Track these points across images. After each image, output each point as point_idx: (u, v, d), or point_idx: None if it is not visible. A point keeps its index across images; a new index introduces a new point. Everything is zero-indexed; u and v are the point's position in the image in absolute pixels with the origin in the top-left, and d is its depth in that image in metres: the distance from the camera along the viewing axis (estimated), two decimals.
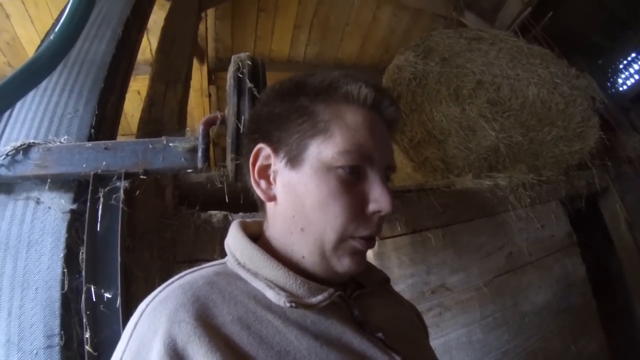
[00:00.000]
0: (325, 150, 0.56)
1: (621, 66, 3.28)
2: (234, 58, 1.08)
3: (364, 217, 0.57)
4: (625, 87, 3.24)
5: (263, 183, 0.62)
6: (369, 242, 0.58)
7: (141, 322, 0.49)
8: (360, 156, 0.56)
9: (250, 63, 1.05)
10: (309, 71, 0.65)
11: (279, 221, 0.61)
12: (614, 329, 2.09)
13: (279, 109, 0.61)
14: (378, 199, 0.56)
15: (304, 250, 0.58)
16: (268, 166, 0.61)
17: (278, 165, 0.60)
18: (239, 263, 0.59)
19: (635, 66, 3.20)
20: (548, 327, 1.78)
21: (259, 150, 0.61)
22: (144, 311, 0.51)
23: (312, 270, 0.58)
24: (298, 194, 0.57)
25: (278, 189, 0.60)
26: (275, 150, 0.60)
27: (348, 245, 0.57)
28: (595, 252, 2.51)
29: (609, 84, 3.28)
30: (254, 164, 0.62)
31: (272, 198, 0.61)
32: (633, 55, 3.21)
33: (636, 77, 3.20)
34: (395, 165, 0.63)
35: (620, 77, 3.29)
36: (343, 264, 0.57)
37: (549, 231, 2.01)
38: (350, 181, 0.56)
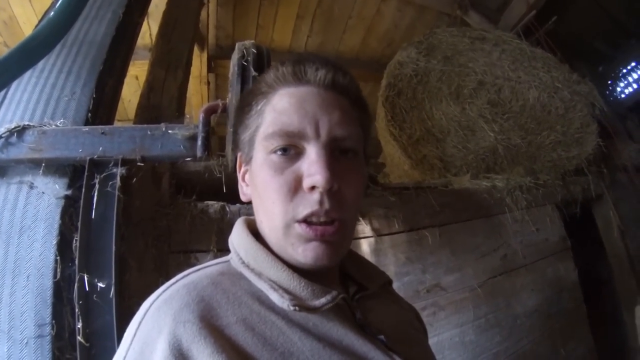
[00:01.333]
0: (259, 139, 0.58)
1: (621, 74, 3.30)
2: (238, 45, 1.05)
3: (302, 195, 0.53)
4: (623, 95, 3.27)
5: (244, 185, 0.66)
6: (320, 227, 0.53)
7: (145, 321, 0.49)
8: (286, 135, 0.54)
9: (255, 51, 1.03)
10: None
11: (256, 216, 0.62)
12: (601, 334, 2.11)
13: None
14: (311, 172, 0.52)
15: (271, 242, 0.58)
16: (247, 170, 0.64)
17: (245, 166, 0.64)
18: (243, 262, 0.58)
19: (635, 75, 3.23)
20: (539, 330, 1.79)
21: (240, 157, 0.66)
22: (147, 310, 0.50)
23: (289, 261, 0.56)
24: (254, 187, 0.59)
25: (249, 188, 0.63)
26: (241, 153, 0.65)
27: (294, 232, 0.53)
28: (587, 257, 2.53)
29: (608, 92, 3.30)
30: (239, 170, 0.66)
31: (248, 198, 0.64)
32: (633, 64, 3.23)
33: (635, 85, 3.22)
34: (346, 135, 0.56)
35: (619, 85, 3.31)
36: (299, 253, 0.54)
37: (544, 235, 2.02)
38: (282, 163, 0.54)
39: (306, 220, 0.53)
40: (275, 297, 0.52)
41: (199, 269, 0.58)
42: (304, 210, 0.52)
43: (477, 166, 2.32)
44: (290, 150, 0.54)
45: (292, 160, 0.54)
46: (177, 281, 0.54)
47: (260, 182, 0.56)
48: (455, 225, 1.76)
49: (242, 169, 0.65)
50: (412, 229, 1.63)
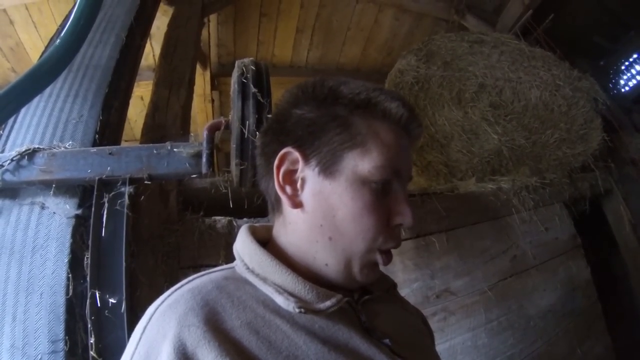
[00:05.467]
0: (361, 163, 0.57)
1: (623, 67, 3.28)
2: (237, 63, 1.08)
3: (389, 229, 0.59)
4: (627, 88, 3.24)
5: (289, 188, 0.60)
6: (389, 255, 0.61)
7: (150, 325, 0.50)
8: (392, 171, 0.59)
9: (254, 68, 1.05)
10: (335, 76, 0.66)
11: (302, 228, 0.60)
12: (619, 331, 2.08)
13: (312, 114, 0.60)
14: (403, 213, 0.59)
15: (329, 258, 0.59)
16: (294, 171, 0.60)
17: (308, 172, 0.59)
18: (248, 268, 0.59)
19: (637, 67, 3.20)
20: (553, 330, 1.77)
21: (286, 154, 0.60)
22: (152, 314, 0.51)
23: (333, 277, 0.59)
24: (330, 204, 0.57)
25: (306, 197, 0.59)
26: (306, 157, 0.59)
27: (372, 258, 0.59)
28: (600, 254, 2.50)
29: (611, 86, 3.28)
30: (279, 167, 0.60)
31: (298, 205, 0.60)
32: (635, 56, 3.20)
33: (638, 78, 3.19)
34: (412, 177, 0.66)
35: (622, 79, 3.29)
36: (364, 274, 0.60)
37: (553, 234, 2.01)
38: (381, 195, 0.58)
39: (385, 251, 0.60)
40: (281, 300, 0.53)
41: (203, 275, 0.59)
42: (390, 243, 0.60)
43: (483, 169, 2.32)
44: (389, 184, 0.59)
45: (385, 194, 0.59)
46: (181, 286, 0.55)
47: (352, 204, 0.57)
48: (462, 230, 1.75)
49: (287, 168, 0.60)
50: (419, 235, 1.63)
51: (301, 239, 0.60)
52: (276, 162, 0.59)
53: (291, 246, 0.62)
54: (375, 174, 0.57)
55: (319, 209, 0.58)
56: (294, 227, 0.61)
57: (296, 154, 0.59)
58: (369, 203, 0.57)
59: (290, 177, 0.60)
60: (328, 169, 0.57)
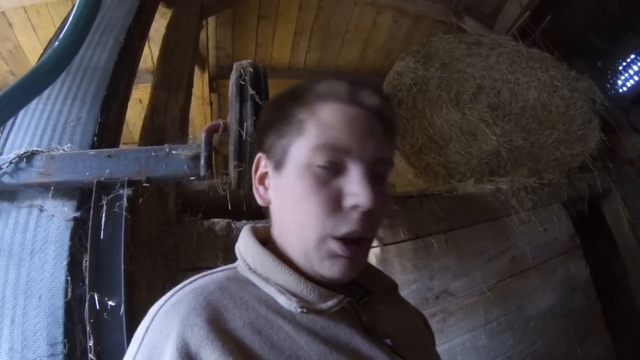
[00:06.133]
0: (301, 148, 0.57)
1: (620, 68, 3.30)
2: (235, 65, 1.08)
3: (342, 213, 0.54)
4: (625, 88, 3.26)
5: (261, 189, 0.64)
6: (353, 246, 0.55)
7: (153, 325, 0.49)
8: (334, 151, 0.55)
9: (252, 70, 1.05)
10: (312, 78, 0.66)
11: (275, 224, 0.63)
12: (618, 331, 2.08)
13: (270, 117, 0.64)
14: (355, 193, 0.53)
15: (293, 251, 0.59)
16: (266, 173, 0.63)
17: (270, 170, 0.62)
18: (250, 268, 0.59)
19: (635, 67, 3.22)
20: (553, 330, 1.77)
21: (258, 160, 0.64)
22: (155, 315, 0.51)
23: (306, 272, 0.58)
24: (284, 195, 0.60)
25: (271, 193, 0.63)
26: (267, 157, 0.62)
27: (327, 247, 0.55)
28: (599, 254, 2.50)
29: (608, 86, 3.29)
30: (255, 172, 0.64)
31: (268, 202, 0.63)
32: (632, 56, 3.22)
33: (636, 78, 3.21)
34: (388, 159, 0.60)
35: (620, 79, 3.30)
36: (325, 267, 0.56)
37: (552, 234, 2.01)
38: (326, 177, 0.55)
39: (342, 238, 0.54)
40: (283, 300, 0.53)
41: (205, 275, 0.59)
42: (343, 228, 0.54)
43: (481, 170, 2.32)
44: (334, 165, 0.55)
45: (333, 175, 0.55)
46: (184, 286, 0.55)
47: (296, 191, 0.56)
48: (460, 231, 1.76)
49: (261, 171, 0.64)
50: (418, 236, 1.63)
51: (277, 235, 0.63)
52: (253, 168, 0.65)
53: (277, 243, 0.63)
54: (314, 156, 0.55)
55: (278, 202, 0.61)
56: (272, 224, 0.65)
57: (264, 157, 0.63)
58: (310, 187, 0.54)
59: (263, 180, 0.64)
60: (279, 162, 0.59)
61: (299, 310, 0.52)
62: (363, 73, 3.88)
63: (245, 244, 0.63)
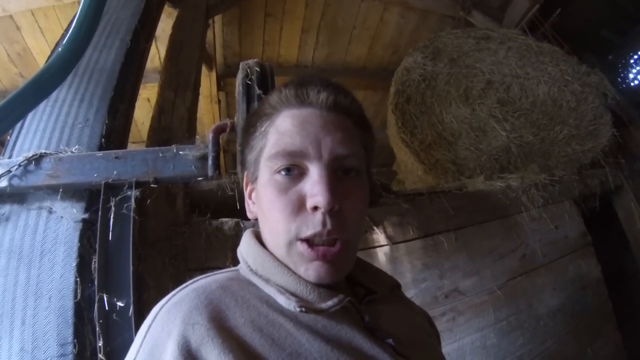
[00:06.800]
0: (264, 159, 0.59)
1: (632, 61, 3.24)
2: (242, 65, 1.08)
3: (305, 215, 0.54)
4: (636, 82, 3.20)
5: (250, 203, 0.68)
6: (322, 248, 0.54)
7: (155, 324, 0.50)
8: (289, 156, 0.56)
9: (258, 69, 1.05)
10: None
11: (262, 234, 0.65)
12: (630, 330, 2.05)
13: (244, 134, 0.68)
14: (313, 193, 0.53)
15: (278, 257, 0.59)
16: (254, 188, 0.66)
17: (251, 185, 0.66)
18: (252, 270, 0.60)
19: None
20: (563, 329, 1.75)
21: (246, 176, 0.68)
22: (157, 313, 0.51)
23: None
24: (259, 206, 0.62)
25: (255, 206, 0.65)
26: (247, 172, 0.66)
27: (297, 250, 0.55)
28: (610, 251, 2.46)
29: (619, 80, 3.24)
30: (245, 188, 0.68)
31: (254, 214, 0.66)
32: None
33: None
34: (352, 152, 0.58)
35: (632, 73, 3.25)
36: (301, 271, 0.56)
37: (563, 232, 1.98)
38: (287, 183, 0.56)
39: (308, 240, 0.54)
40: (283, 300, 0.53)
41: (207, 276, 0.60)
42: (306, 231, 0.54)
43: (491, 167, 2.30)
44: (294, 170, 0.56)
45: (295, 180, 0.56)
46: (186, 286, 0.56)
47: (265, 201, 0.58)
48: (471, 229, 1.74)
49: (249, 188, 0.67)
50: (427, 234, 1.62)
51: (266, 245, 0.63)
52: (243, 185, 0.69)
53: None
54: (271, 164, 0.57)
55: (259, 213, 0.63)
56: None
57: (247, 172, 0.67)
58: (272, 195, 0.56)
59: (251, 193, 0.67)
60: (254, 175, 0.63)
61: (298, 309, 0.52)
62: (371, 69, 3.87)
63: (247, 246, 0.64)
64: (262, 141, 0.60)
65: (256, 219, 0.65)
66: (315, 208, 0.53)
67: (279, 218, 0.55)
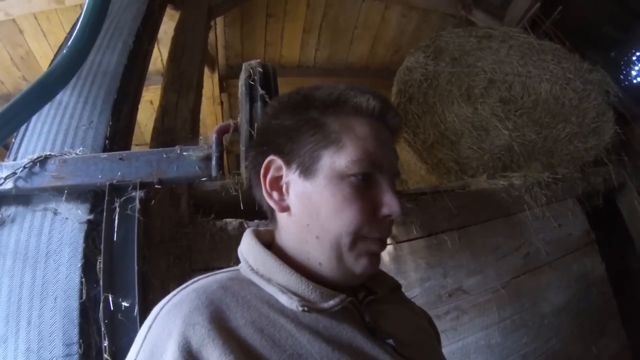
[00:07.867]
0: (338, 159, 0.58)
1: (634, 58, 3.22)
2: (244, 65, 1.08)
3: (376, 220, 0.59)
4: (639, 79, 3.18)
5: (275, 194, 0.62)
6: (382, 244, 0.61)
7: (155, 324, 0.50)
8: (370, 164, 0.58)
9: (261, 70, 1.05)
10: (315, 84, 0.67)
11: (293, 230, 0.62)
12: (635, 328, 2.04)
13: (289, 122, 0.63)
14: (389, 203, 0.58)
15: (320, 257, 0.59)
16: (279, 177, 0.62)
17: (290, 176, 0.61)
18: (252, 269, 0.60)
19: None
20: (568, 328, 1.74)
21: (270, 162, 0.62)
22: (158, 314, 0.52)
23: (330, 276, 0.59)
24: (313, 203, 0.59)
25: (292, 200, 0.61)
26: (287, 162, 0.61)
27: (363, 246, 0.58)
28: (614, 249, 2.45)
29: (622, 77, 3.23)
30: (265, 176, 0.62)
31: (286, 208, 0.62)
32: None
33: None
34: (399, 172, 0.66)
35: (634, 69, 3.23)
36: (360, 265, 0.58)
37: (567, 230, 1.98)
38: (362, 188, 0.58)
39: (370, 239, 0.59)
40: (284, 299, 0.53)
41: (208, 276, 0.60)
42: (377, 233, 0.59)
43: (494, 166, 2.29)
44: (368, 178, 0.59)
45: (368, 186, 0.59)
46: (187, 286, 0.56)
47: (332, 199, 0.57)
48: (474, 227, 1.74)
49: (272, 175, 0.62)
50: (431, 233, 1.62)
51: (294, 241, 0.62)
52: (262, 171, 0.62)
53: (288, 249, 0.63)
54: (352, 167, 0.57)
55: (304, 209, 0.60)
56: (286, 231, 0.63)
57: (279, 161, 0.62)
58: (349, 196, 0.57)
59: (276, 184, 0.63)
60: (307, 169, 0.59)
61: (300, 308, 0.52)
62: (373, 69, 3.87)
63: (248, 246, 0.64)
64: (330, 139, 0.59)
65: (283, 212, 0.62)
66: (387, 215, 0.59)
67: (355, 218, 0.57)
